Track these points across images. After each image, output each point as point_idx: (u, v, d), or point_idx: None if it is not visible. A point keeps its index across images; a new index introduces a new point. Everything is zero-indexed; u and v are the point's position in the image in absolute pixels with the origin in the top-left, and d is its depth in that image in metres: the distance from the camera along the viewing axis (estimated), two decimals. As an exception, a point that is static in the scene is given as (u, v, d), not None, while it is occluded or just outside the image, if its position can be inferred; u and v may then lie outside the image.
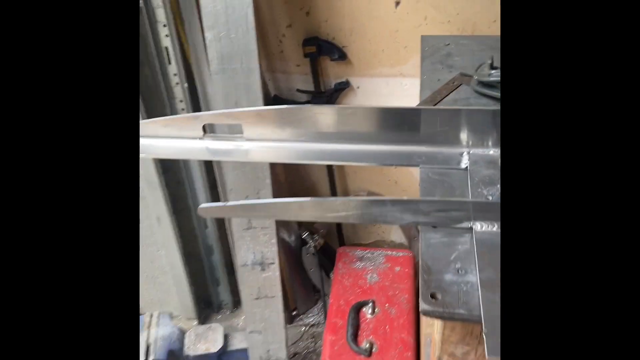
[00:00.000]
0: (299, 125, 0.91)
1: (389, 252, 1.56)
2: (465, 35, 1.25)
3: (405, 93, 1.48)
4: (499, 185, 0.81)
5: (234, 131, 0.94)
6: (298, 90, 1.53)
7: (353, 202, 0.76)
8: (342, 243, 1.87)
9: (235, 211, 0.79)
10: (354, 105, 0.88)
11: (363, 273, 1.50)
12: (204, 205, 0.79)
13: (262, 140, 0.95)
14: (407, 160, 0.90)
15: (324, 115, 0.90)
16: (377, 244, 1.90)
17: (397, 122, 0.90)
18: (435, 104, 1.02)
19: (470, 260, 0.71)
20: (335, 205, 0.77)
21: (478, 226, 0.75)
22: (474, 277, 0.69)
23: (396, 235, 1.88)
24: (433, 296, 0.67)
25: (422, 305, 0.66)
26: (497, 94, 1.00)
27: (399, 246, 1.88)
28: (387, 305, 1.41)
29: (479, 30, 1.30)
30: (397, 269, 1.50)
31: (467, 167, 0.86)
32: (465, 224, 0.76)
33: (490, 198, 0.79)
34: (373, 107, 0.89)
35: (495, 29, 1.30)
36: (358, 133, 0.91)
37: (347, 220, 0.79)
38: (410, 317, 1.38)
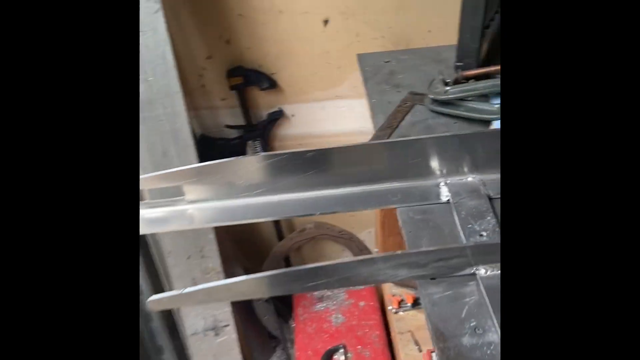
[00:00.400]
0: (251, 177, 0.78)
1: (350, 286, 1.45)
2: (403, 49, 1.18)
3: (343, 115, 1.38)
4: (489, 218, 0.72)
5: (173, 194, 0.79)
6: (227, 126, 1.38)
7: (337, 266, 0.64)
8: (293, 281, 1.73)
9: (195, 297, 0.64)
10: (315, 148, 0.76)
11: (326, 315, 1.37)
12: (153, 297, 0.63)
13: (207, 201, 0.80)
14: (381, 202, 0.79)
15: (279, 162, 0.77)
16: (330, 275, 1.79)
17: (364, 160, 0.79)
18: (394, 130, 0.93)
19: (484, 314, 0.61)
20: (317, 273, 0.64)
21: (482, 271, 0.65)
22: (495, 336, 0.59)
23: (348, 262, 1.77)
24: (456, 369, 0.56)
25: (446, 384, 0.55)
26: (456, 111, 0.93)
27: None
28: (359, 347, 1.29)
29: (415, 43, 1.24)
30: (362, 303, 1.39)
31: (449, 200, 0.76)
32: (467, 271, 0.66)
33: (485, 234, 0.70)
34: (335, 148, 0.77)
35: (430, 40, 1.24)
36: (320, 177, 0.79)
37: (332, 287, 0.67)
38: (385, 355, 1.28)
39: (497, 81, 0.92)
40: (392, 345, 1.31)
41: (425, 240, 0.71)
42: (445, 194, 0.78)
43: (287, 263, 1.71)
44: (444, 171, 0.80)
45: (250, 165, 0.77)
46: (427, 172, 0.80)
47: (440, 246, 0.63)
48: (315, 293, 1.45)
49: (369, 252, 1.70)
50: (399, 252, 0.63)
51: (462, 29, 0.97)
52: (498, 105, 0.89)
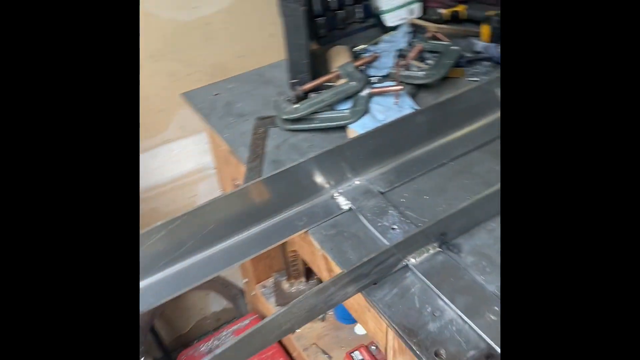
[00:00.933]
0: (149, 252, 0.69)
1: (235, 326, 1.40)
2: (224, 79, 1.16)
3: (177, 158, 1.31)
4: (391, 211, 0.78)
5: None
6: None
7: (296, 307, 0.62)
8: (166, 349, 1.58)
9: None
10: (209, 200, 0.71)
11: (225, 365, 1.30)
12: None
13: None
14: (290, 230, 0.79)
15: (176, 228, 0.70)
16: (202, 325, 1.68)
17: (258, 199, 0.77)
18: (262, 158, 0.92)
19: (432, 296, 0.67)
20: (278, 322, 0.61)
21: (412, 261, 0.71)
22: (451, 312, 0.65)
23: (214, 303, 1.69)
24: (437, 354, 0.60)
25: (437, 371, 0.59)
26: (312, 125, 0.96)
27: (227, 313, 1.71)
28: (270, 382, 1.26)
29: (230, 70, 1.23)
30: (255, 338, 1.35)
31: (350, 207, 0.80)
32: (400, 265, 0.70)
33: (396, 227, 0.76)
34: (226, 195, 0.74)
35: (244, 65, 1.24)
36: (221, 229, 0.75)
37: (293, 330, 0.65)
38: (298, 377, 1.27)
39: (336, 89, 0.99)
40: (298, 365, 1.31)
41: (350, 252, 0.73)
42: (344, 203, 0.81)
43: (154, 333, 1.55)
44: (332, 183, 0.83)
45: (146, 240, 0.69)
46: (319, 188, 0.82)
47: (374, 253, 0.66)
48: (201, 349, 1.35)
49: (235, 287, 1.65)
50: (344, 271, 0.64)
51: (290, 48, 1.01)
52: (348, 110, 0.96)
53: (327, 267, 0.82)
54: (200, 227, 0.73)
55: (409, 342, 0.62)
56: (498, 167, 0.85)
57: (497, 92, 0.96)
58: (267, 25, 1.24)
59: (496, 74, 1.04)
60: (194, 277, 0.71)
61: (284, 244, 1.31)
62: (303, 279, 1.38)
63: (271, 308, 1.36)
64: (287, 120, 0.97)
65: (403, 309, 0.66)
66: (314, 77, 1.05)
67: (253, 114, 1.04)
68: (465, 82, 1.07)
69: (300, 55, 1.02)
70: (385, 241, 0.73)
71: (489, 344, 0.60)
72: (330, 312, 1.34)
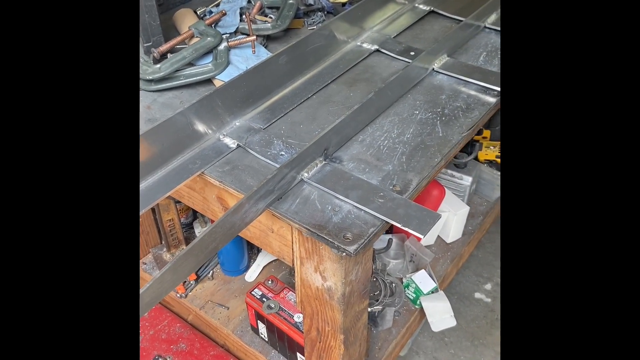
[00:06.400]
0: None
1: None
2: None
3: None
4: (275, 142, 0.87)
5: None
6: None
7: (218, 226, 0.68)
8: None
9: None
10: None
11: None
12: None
13: None
14: (187, 173, 0.83)
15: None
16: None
17: (149, 148, 0.80)
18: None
19: (330, 198, 0.78)
20: (205, 242, 0.67)
21: (305, 175, 0.81)
22: (348, 205, 0.77)
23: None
24: (345, 238, 0.72)
25: (348, 249, 0.71)
26: (178, 82, 1.00)
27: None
28: (172, 346, 1.28)
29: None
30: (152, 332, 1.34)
31: (238, 145, 0.87)
32: (297, 179, 0.81)
33: (284, 153, 0.85)
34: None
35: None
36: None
37: (218, 249, 0.71)
38: (197, 334, 1.31)
39: (195, 46, 1.03)
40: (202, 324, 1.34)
41: (250, 180, 0.81)
42: (231, 142, 0.88)
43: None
44: (214, 128, 0.89)
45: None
46: (203, 134, 0.88)
47: (275, 171, 0.75)
48: None
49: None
50: (255, 188, 0.72)
51: (140, 12, 1.02)
52: (210, 64, 1.01)
53: (224, 207, 0.88)
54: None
55: (320, 234, 0.73)
56: (353, 94, 1.00)
57: (336, 34, 1.10)
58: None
59: (329, 20, 1.18)
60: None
61: (157, 215, 1.31)
62: (184, 246, 1.40)
63: (157, 281, 1.36)
64: (151, 81, 0.99)
65: (308, 212, 0.76)
66: (167, 40, 1.07)
67: (112, 81, 1.03)
68: (306, 31, 1.19)
69: (151, 17, 1.04)
70: (277, 166, 0.83)
71: (382, 220, 0.74)
72: (218, 270, 1.39)
